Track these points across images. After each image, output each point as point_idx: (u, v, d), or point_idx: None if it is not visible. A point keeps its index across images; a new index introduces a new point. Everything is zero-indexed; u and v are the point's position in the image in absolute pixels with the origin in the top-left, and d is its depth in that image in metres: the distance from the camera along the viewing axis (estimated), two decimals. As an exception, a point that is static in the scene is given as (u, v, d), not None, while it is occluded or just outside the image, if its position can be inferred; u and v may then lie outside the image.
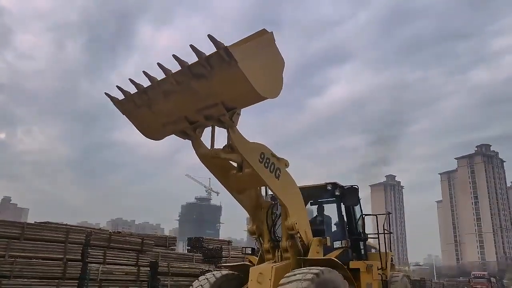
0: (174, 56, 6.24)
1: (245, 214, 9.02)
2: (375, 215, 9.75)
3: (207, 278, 8.40)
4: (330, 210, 9.77)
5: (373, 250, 10.13)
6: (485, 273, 64.91)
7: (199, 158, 7.70)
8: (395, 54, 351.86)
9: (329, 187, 9.15)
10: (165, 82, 6.58)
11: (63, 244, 15.20)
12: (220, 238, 34.31)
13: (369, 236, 9.93)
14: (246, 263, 9.10)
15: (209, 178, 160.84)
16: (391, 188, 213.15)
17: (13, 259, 13.78)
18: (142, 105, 7.04)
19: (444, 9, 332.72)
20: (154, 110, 7.05)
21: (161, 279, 18.15)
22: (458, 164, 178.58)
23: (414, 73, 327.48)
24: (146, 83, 6.85)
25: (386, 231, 9.55)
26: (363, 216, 9.78)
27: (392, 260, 10.95)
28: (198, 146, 7.57)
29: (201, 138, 7.69)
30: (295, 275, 6.90)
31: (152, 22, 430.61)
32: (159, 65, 6.53)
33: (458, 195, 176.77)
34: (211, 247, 22.61)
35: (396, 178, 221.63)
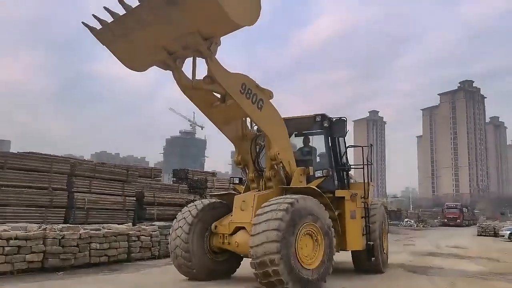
0: None
1: (230, 148, 9.21)
2: (361, 146, 9.97)
3: (195, 205, 8.66)
4: (316, 141, 9.94)
5: (351, 180, 10.48)
6: (458, 203, 68.00)
7: (181, 90, 7.63)
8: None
9: (317, 118, 9.26)
10: (140, 9, 6.36)
11: (48, 174, 15.33)
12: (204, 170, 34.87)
13: (352, 167, 10.23)
14: (232, 192, 9.37)
15: (194, 112, 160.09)
16: (373, 123, 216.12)
17: (-3, 187, 13.92)
18: (120, 34, 6.84)
19: None
20: (132, 39, 6.86)
21: (147, 208, 18.65)
22: (440, 100, 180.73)
23: (401, 7, 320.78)
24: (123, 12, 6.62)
25: (368, 163, 9.83)
26: (347, 148, 10.01)
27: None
28: (179, 77, 7.47)
29: (183, 70, 7.58)
30: (270, 205, 7.14)
31: None
32: None
33: (438, 130, 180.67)
34: (196, 178, 23.07)
35: (379, 114, 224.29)
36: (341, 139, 9.76)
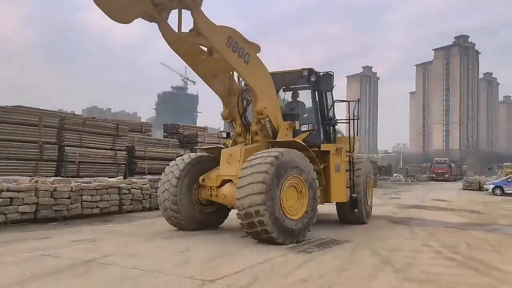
0: None
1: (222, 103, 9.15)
2: (347, 101, 10.02)
3: (182, 159, 8.81)
4: (303, 96, 9.97)
5: (338, 135, 10.63)
6: (447, 159, 69.15)
7: (167, 43, 7.57)
8: None
9: (304, 73, 9.23)
10: None
11: (37, 128, 15.32)
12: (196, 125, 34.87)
13: (339, 121, 10.32)
14: (220, 145, 9.49)
15: (185, 67, 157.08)
16: (367, 79, 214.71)
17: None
18: None
19: None
20: None
21: (138, 162, 18.84)
22: (434, 56, 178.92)
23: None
24: None
25: (355, 117, 9.93)
26: (334, 102, 10.06)
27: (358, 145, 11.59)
28: (165, 30, 7.39)
29: (169, 22, 7.48)
30: (255, 158, 7.28)
31: None
32: None
33: (431, 86, 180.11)
34: (187, 133, 23.16)
35: (373, 69, 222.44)
36: (328, 93, 9.79)
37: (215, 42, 7.35)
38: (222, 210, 9.08)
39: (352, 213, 9.82)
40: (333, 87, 9.61)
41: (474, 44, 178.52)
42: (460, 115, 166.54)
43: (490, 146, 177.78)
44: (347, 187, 9.54)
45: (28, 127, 15.10)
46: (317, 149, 8.99)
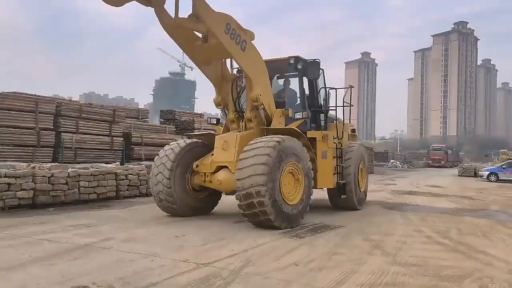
0: None
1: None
2: (334, 88, 10.04)
3: (172, 149, 8.76)
4: (295, 84, 10.02)
5: (337, 122, 10.70)
6: (443, 145, 69.42)
7: (163, 28, 7.60)
8: None
9: (291, 61, 9.25)
10: None
11: (34, 114, 15.34)
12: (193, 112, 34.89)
13: (331, 108, 10.35)
14: (212, 132, 9.57)
15: (182, 53, 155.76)
16: (365, 65, 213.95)
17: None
18: None
19: None
20: None
21: (134, 148, 18.92)
22: (433, 42, 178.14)
23: None
24: None
25: (346, 104, 9.99)
26: (326, 89, 10.09)
27: (354, 132, 11.68)
28: (161, 14, 7.41)
29: (166, 7, 7.49)
30: (257, 142, 7.43)
31: None
32: None
33: (430, 73, 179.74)
34: (184, 119, 23.20)
35: (371, 56, 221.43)
36: (320, 81, 9.87)
37: (214, 29, 7.40)
38: (214, 196, 9.23)
39: (339, 199, 9.95)
40: (319, 75, 9.67)
41: (473, 30, 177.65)
42: (458, 101, 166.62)
43: (488, 132, 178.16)
44: (334, 174, 9.64)
45: (24, 113, 15.12)
46: (305, 136, 9.08)
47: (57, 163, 12.17)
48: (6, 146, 14.37)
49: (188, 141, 9.04)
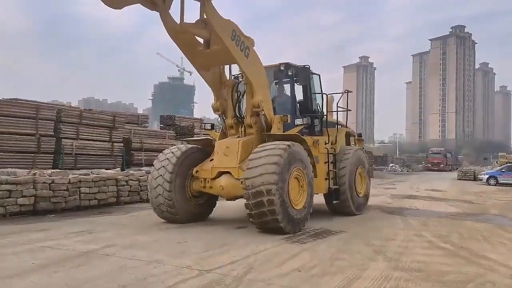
0: None
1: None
2: (324, 93, 10.06)
3: (173, 152, 8.73)
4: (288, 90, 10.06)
5: (339, 127, 10.73)
6: (442, 149, 69.32)
7: (168, 32, 7.65)
8: None
9: (282, 67, 9.32)
10: None
11: (34, 120, 15.36)
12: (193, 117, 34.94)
13: (327, 113, 10.31)
14: (209, 137, 9.58)
15: (181, 58, 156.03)
16: (363, 69, 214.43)
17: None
18: None
19: None
20: None
21: (135, 154, 18.94)
22: (431, 46, 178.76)
23: None
24: None
25: (341, 109, 10.05)
26: (323, 95, 10.12)
27: (360, 136, 11.74)
28: (166, 19, 7.48)
29: (170, 12, 7.58)
30: (268, 145, 7.58)
31: None
32: None
33: (428, 77, 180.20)
34: (183, 124, 23.22)
35: (370, 59, 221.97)
36: (315, 86, 9.96)
37: (222, 35, 7.50)
38: (211, 201, 9.25)
39: (331, 204, 9.95)
40: (310, 80, 9.74)
41: (471, 34, 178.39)
42: (456, 105, 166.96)
43: (486, 136, 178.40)
44: (326, 179, 9.58)
45: (25, 119, 15.14)
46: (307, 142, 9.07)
47: (57, 170, 12.17)
48: (7, 153, 14.37)
49: (184, 148, 8.89)
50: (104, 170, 12.86)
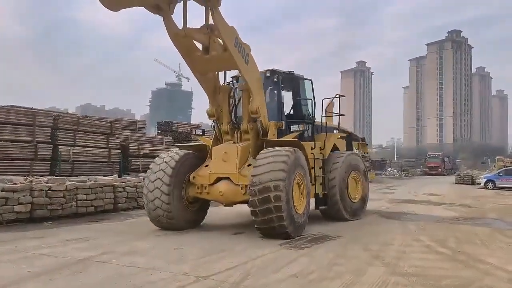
0: None
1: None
2: (308, 99, 10.02)
3: (171, 156, 8.72)
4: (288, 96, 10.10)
5: (335, 131, 10.73)
6: (440, 153, 69.52)
7: (170, 37, 7.74)
8: None
9: (267, 74, 9.33)
10: None
11: (31, 127, 15.33)
12: (190, 122, 34.93)
13: (326, 117, 10.31)
14: (203, 143, 9.56)
15: (179, 63, 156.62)
16: (360, 74, 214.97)
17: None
18: None
19: None
20: None
21: (132, 160, 18.90)
22: (428, 50, 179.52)
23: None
24: None
25: (330, 114, 10.12)
26: (314, 100, 10.07)
27: (364, 141, 11.75)
28: (169, 24, 7.58)
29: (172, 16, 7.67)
30: (273, 150, 7.67)
31: None
32: None
33: (425, 81, 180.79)
34: (181, 130, 23.20)
35: (367, 64, 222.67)
36: (306, 92, 10.02)
37: (228, 42, 7.57)
38: (204, 207, 9.22)
39: (325, 209, 9.84)
40: (299, 86, 9.88)
41: (467, 38, 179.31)
42: (453, 109, 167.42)
43: (484, 139, 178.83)
44: (313, 185, 9.27)
45: (22, 126, 15.11)
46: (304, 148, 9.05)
47: (54, 176, 12.13)
48: (4, 160, 14.33)
49: (177, 157, 8.73)
50: (101, 177, 12.82)
